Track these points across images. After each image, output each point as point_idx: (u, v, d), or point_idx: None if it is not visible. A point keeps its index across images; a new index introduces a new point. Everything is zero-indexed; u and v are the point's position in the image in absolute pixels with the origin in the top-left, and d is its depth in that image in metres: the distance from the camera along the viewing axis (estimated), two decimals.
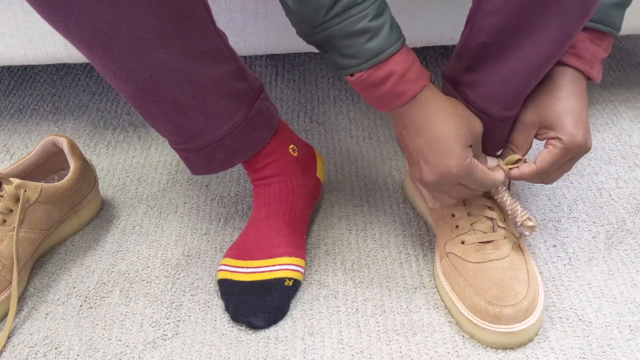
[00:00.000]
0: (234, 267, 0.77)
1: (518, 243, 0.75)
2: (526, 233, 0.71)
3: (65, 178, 0.83)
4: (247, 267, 0.77)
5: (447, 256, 0.75)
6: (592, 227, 0.85)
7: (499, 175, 0.70)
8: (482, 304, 0.69)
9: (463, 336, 0.71)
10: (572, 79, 0.69)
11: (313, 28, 0.61)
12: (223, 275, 0.77)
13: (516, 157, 0.71)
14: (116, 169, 0.98)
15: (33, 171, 0.85)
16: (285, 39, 0.96)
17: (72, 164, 0.84)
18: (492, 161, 0.71)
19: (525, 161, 0.71)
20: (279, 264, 0.76)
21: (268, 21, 0.94)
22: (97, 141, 1.04)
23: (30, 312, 0.76)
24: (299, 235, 0.80)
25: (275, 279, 0.75)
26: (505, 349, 0.69)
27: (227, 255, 0.79)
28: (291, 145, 0.81)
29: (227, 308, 0.74)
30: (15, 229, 0.76)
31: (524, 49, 0.62)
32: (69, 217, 0.84)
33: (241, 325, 0.73)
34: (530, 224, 0.71)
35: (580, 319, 0.72)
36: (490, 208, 0.75)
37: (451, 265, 0.74)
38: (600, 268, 0.79)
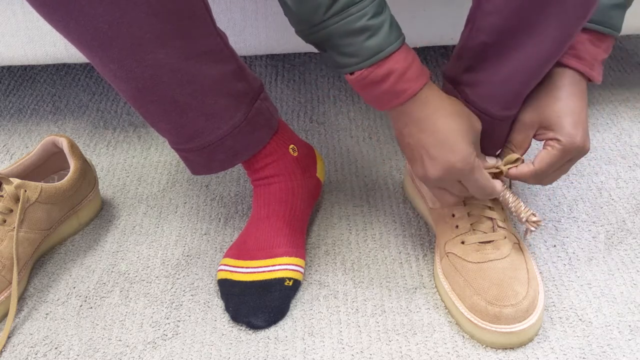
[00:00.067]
0: (234, 267, 0.77)
1: (518, 243, 0.75)
2: (532, 228, 0.71)
3: (65, 178, 0.83)
4: (247, 267, 0.77)
5: (447, 256, 0.75)
6: (592, 227, 0.85)
7: (498, 185, 0.70)
8: (482, 304, 0.69)
9: (463, 336, 0.71)
10: (572, 80, 0.69)
11: (312, 27, 0.61)
12: (223, 275, 0.77)
13: (515, 156, 0.71)
14: (116, 169, 0.98)
15: (33, 171, 0.85)
16: (285, 39, 0.96)
17: (72, 164, 0.84)
18: (491, 160, 0.71)
19: (523, 161, 0.71)
20: (279, 264, 0.76)
21: (268, 21, 0.94)
22: (97, 141, 1.04)
23: (30, 312, 0.76)
24: (299, 235, 0.80)
25: (275, 279, 0.75)
26: (505, 349, 0.69)
27: (227, 255, 0.79)
28: (291, 145, 0.81)
29: (227, 308, 0.74)
30: (15, 229, 0.76)
31: (524, 49, 0.62)
32: (69, 217, 0.84)
33: (241, 325, 0.73)
34: (534, 219, 0.71)
35: (580, 319, 0.72)
36: (490, 208, 0.75)
37: (451, 265, 0.74)
38: (600, 268, 0.79)
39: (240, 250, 0.79)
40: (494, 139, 0.72)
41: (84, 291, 0.78)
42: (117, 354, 0.71)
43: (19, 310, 0.76)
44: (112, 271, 0.81)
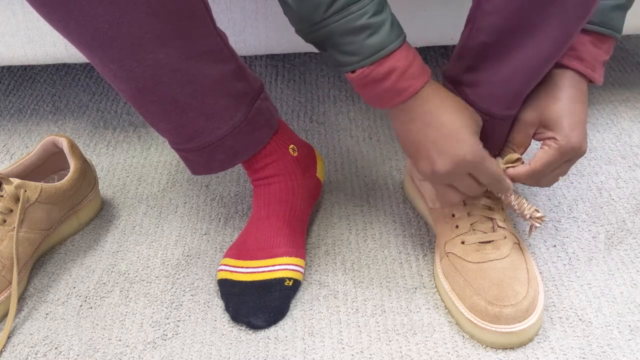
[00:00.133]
0: (234, 267, 0.77)
1: (518, 243, 0.75)
2: (537, 224, 0.71)
3: (65, 178, 0.83)
4: (247, 267, 0.77)
5: (447, 256, 0.75)
6: (592, 227, 0.85)
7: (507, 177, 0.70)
8: (482, 304, 0.69)
9: (463, 336, 0.71)
10: (572, 82, 0.69)
11: (312, 25, 0.61)
12: (223, 275, 0.77)
13: (515, 156, 0.71)
14: (116, 169, 0.98)
15: (33, 171, 0.85)
16: (285, 39, 0.96)
17: (72, 164, 0.84)
18: None
19: (522, 162, 0.71)
20: (279, 264, 0.76)
21: (268, 21, 0.94)
22: (97, 141, 1.04)
23: (30, 312, 0.76)
24: (299, 235, 0.80)
25: (275, 279, 0.75)
26: (505, 349, 0.69)
27: (227, 255, 0.79)
28: (291, 145, 0.81)
29: (227, 308, 0.74)
30: (15, 229, 0.76)
31: (525, 49, 0.63)
32: (69, 217, 0.84)
33: (241, 325, 0.73)
34: (539, 215, 0.71)
35: (580, 319, 0.72)
36: (490, 208, 0.75)
37: (451, 265, 0.74)
38: (600, 268, 0.79)
39: (240, 250, 0.79)
40: (494, 138, 0.72)
41: (84, 291, 0.78)
42: (117, 354, 0.71)
43: (19, 310, 0.76)
44: (112, 271, 0.81)
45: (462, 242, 0.74)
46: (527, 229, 0.81)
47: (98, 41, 0.62)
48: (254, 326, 0.73)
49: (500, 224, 0.74)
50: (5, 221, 0.76)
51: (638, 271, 0.78)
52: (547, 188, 0.91)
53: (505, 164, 0.71)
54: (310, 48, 0.91)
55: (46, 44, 0.94)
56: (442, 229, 0.77)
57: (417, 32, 0.95)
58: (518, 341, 0.69)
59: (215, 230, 0.87)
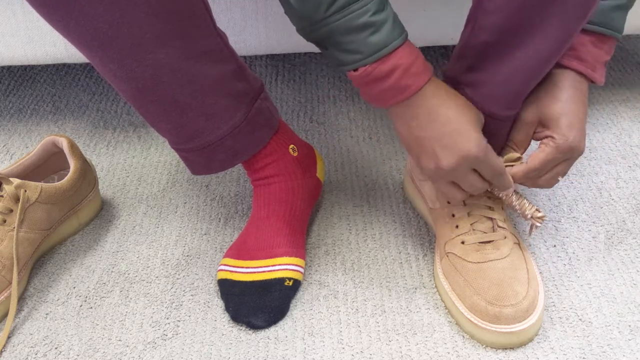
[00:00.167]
0: (234, 267, 0.77)
1: (518, 243, 0.75)
2: (538, 224, 0.71)
3: (65, 178, 0.83)
4: (247, 267, 0.77)
5: (447, 256, 0.75)
6: (592, 227, 0.85)
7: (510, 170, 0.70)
8: (482, 304, 0.69)
9: (463, 336, 0.71)
10: (573, 82, 0.69)
11: (313, 24, 0.61)
12: (223, 275, 0.77)
13: (516, 155, 0.71)
14: (116, 169, 0.98)
15: (33, 171, 0.85)
16: (285, 39, 0.96)
17: (72, 164, 0.84)
18: None
19: (523, 161, 0.71)
20: (279, 264, 0.76)
21: (268, 21, 0.94)
22: (97, 141, 1.04)
23: (30, 312, 0.76)
24: (299, 235, 0.80)
25: (275, 279, 0.75)
26: (505, 349, 0.69)
27: (227, 255, 0.79)
28: (291, 145, 0.81)
29: (227, 308, 0.74)
30: (15, 229, 0.76)
31: (525, 49, 0.63)
32: (69, 217, 0.84)
33: (241, 325, 0.73)
34: (539, 214, 0.71)
35: (580, 319, 0.72)
36: (490, 208, 0.75)
37: (451, 265, 0.74)
38: (600, 268, 0.79)
39: (240, 250, 0.79)
40: (495, 138, 0.72)
41: (84, 291, 0.78)
42: (117, 354, 0.71)
43: (19, 310, 0.76)
44: (112, 271, 0.81)
45: (462, 242, 0.74)
46: (527, 229, 0.81)
47: (98, 41, 0.62)
48: (254, 326, 0.73)
49: (500, 224, 0.74)
50: (5, 221, 0.76)
51: (638, 271, 0.78)
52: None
53: (505, 163, 0.71)
54: (311, 48, 0.91)
55: (46, 44, 0.94)
56: (442, 229, 0.77)
57: (417, 32, 0.95)
58: (518, 341, 0.69)
59: (215, 230, 0.87)
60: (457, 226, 0.75)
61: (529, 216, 0.71)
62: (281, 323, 0.73)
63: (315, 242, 0.84)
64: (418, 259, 0.81)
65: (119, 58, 0.64)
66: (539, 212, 0.71)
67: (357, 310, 0.75)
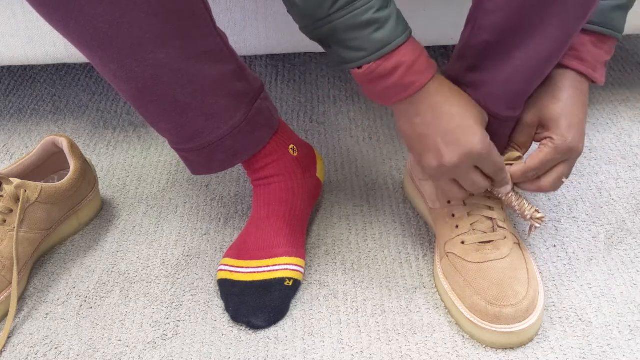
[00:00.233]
0: (234, 267, 0.77)
1: (518, 243, 0.75)
2: (537, 225, 0.71)
3: (65, 178, 0.83)
4: (247, 267, 0.77)
5: (447, 256, 0.75)
6: (592, 227, 0.85)
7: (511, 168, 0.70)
8: (482, 304, 0.69)
9: (463, 336, 0.71)
10: (573, 82, 0.69)
11: (316, 22, 0.61)
12: (223, 275, 0.77)
13: (516, 154, 0.71)
14: (116, 169, 0.98)
15: (33, 171, 0.85)
16: (285, 39, 0.96)
17: (72, 164, 0.84)
18: None
19: (523, 161, 0.71)
20: (279, 264, 0.76)
21: (268, 21, 0.94)
22: (97, 141, 1.04)
23: (30, 312, 0.76)
24: (299, 235, 0.80)
25: (275, 279, 0.75)
26: (505, 349, 0.69)
27: (227, 255, 0.79)
28: (291, 145, 0.81)
29: (227, 308, 0.74)
30: (15, 229, 0.76)
31: (526, 48, 0.63)
32: (69, 217, 0.84)
33: (241, 325, 0.73)
34: (539, 215, 0.71)
35: (580, 319, 0.72)
36: (490, 208, 0.75)
37: (451, 265, 0.74)
38: (600, 268, 0.79)
39: (240, 250, 0.79)
40: (497, 139, 0.72)
41: (84, 291, 0.78)
42: (117, 354, 0.71)
43: (19, 310, 0.76)
44: (112, 271, 0.81)
45: (462, 242, 0.74)
46: (527, 229, 0.81)
47: (98, 41, 0.62)
48: (254, 326, 0.73)
49: (500, 224, 0.74)
50: (5, 221, 0.76)
51: (638, 271, 0.78)
52: None
53: (505, 161, 0.71)
54: (311, 48, 0.91)
55: (46, 44, 0.94)
56: (442, 229, 0.77)
57: (417, 32, 0.94)
58: (518, 341, 0.69)
59: (215, 230, 0.87)
60: (457, 226, 0.75)
61: (529, 217, 0.71)
62: (281, 323, 0.73)
63: (315, 242, 0.84)
64: (418, 259, 0.81)
65: (119, 58, 0.64)
66: (539, 212, 0.71)
67: (357, 310, 0.75)
